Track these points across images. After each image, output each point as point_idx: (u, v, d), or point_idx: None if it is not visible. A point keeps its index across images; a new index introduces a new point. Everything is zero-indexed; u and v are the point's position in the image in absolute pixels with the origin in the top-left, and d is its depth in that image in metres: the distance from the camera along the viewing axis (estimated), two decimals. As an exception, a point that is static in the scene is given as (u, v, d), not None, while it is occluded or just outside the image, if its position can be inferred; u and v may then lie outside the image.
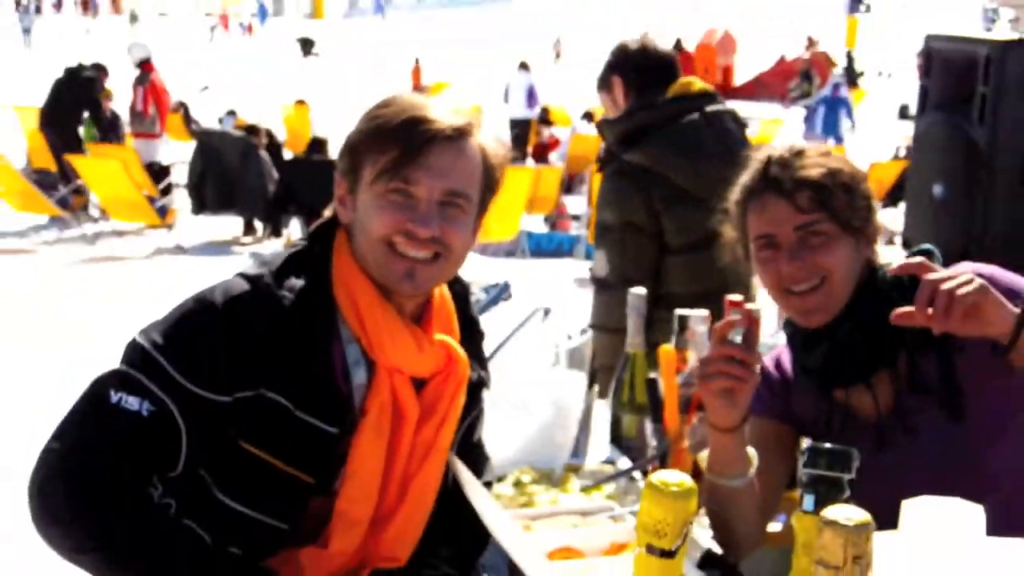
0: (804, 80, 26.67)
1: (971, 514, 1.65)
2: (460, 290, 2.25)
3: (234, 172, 13.90)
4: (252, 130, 14.90)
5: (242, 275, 2.00)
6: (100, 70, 15.60)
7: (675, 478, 1.50)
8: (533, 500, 2.35)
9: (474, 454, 2.32)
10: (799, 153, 2.23)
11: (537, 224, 14.12)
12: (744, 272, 4.26)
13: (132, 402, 1.88)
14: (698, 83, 4.18)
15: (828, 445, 1.67)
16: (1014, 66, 5.81)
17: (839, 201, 2.18)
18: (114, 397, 1.89)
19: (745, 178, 2.28)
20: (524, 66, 22.17)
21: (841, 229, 2.19)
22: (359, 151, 2.02)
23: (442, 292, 2.17)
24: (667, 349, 2.69)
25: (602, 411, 2.86)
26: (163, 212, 13.86)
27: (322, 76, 35.78)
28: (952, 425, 2.16)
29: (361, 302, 2.01)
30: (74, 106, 14.98)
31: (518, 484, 2.42)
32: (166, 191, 14.40)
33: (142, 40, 17.26)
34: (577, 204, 14.58)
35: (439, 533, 2.16)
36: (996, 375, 2.14)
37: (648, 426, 2.74)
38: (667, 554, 1.51)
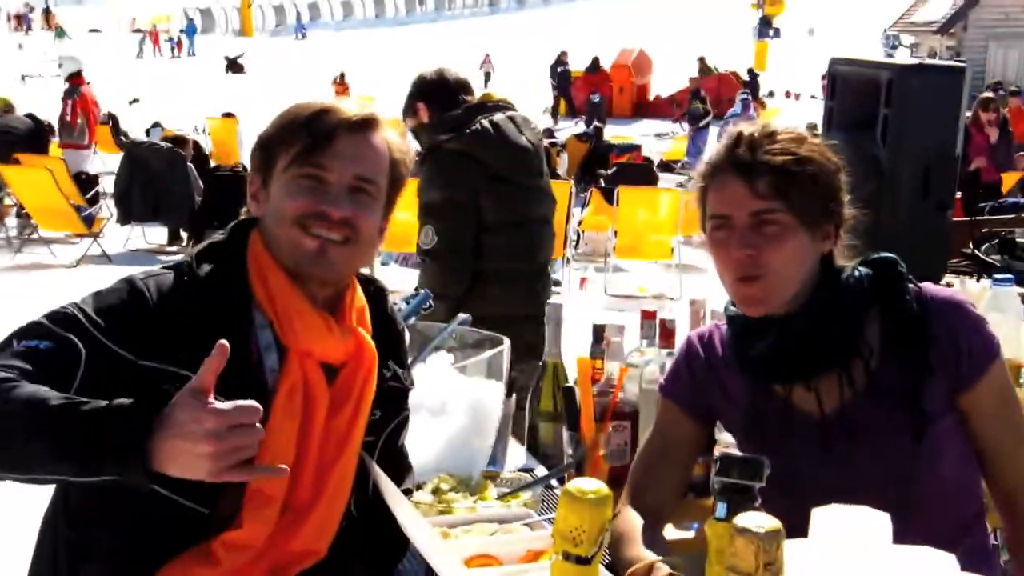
0: (695, 99, 26.40)
1: (878, 521, 1.64)
2: (375, 291, 2.26)
3: (161, 182, 13.72)
4: (179, 141, 14.74)
5: (164, 265, 2.04)
6: (50, 130, 15.87)
7: (591, 486, 1.48)
8: (451, 507, 2.32)
9: (397, 460, 2.29)
10: (770, 135, 2.06)
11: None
12: (547, 253, 4.55)
13: (32, 343, 1.85)
14: (496, 95, 4.84)
15: (739, 454, 1.66)
16: (914, 89, 5.96)
17: (801, 191, 2.02)
18: (17, 346, 1.85)
19: (713, 154, 2.11)
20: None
21: (797, 221, 2.02)
22: (271, 145, 2.06)
23: (355, 289, 2.16)
24: (583, 359, 2.67)
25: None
26: (90, 221, 13.62)
27: (249, 90, 35.47)
28: (902, 441, 2.04)
29: (274, 288, 2.02)
30: (17, 140, 14.83)
31: (437, 491, 2.39)
32: (93, 200, 14.16)
33: (74, 54, 17.09)
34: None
35: (359, 538, 2.13)
36: (954, 406, 2.07)
37: (565, 434, 2.71)
38: (583, 561, 1.49)
